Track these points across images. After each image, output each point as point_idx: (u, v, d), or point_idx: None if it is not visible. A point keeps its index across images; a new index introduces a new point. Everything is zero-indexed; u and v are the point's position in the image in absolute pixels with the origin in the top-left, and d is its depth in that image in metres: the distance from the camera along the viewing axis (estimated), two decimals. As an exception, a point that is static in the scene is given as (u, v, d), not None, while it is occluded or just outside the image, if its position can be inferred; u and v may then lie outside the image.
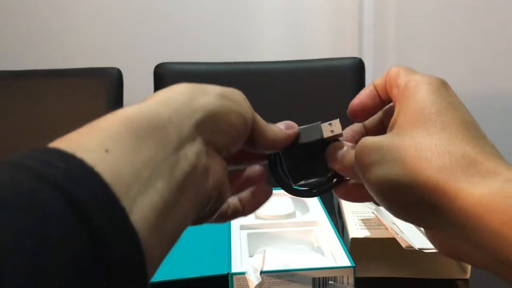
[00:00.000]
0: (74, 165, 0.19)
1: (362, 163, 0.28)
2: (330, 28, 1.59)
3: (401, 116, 0.28)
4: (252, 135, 0.30)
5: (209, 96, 0.27)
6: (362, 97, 0.33)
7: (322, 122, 0.33)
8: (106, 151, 0.20)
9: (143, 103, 0.24)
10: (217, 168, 0.27)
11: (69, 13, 1.62)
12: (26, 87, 1.16)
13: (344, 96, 1.17)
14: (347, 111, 0.34)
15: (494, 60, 1.50)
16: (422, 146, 0.25)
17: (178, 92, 0.26)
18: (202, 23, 1.59)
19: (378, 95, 0.33)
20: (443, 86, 0.28)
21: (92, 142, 0.21)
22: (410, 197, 0.25)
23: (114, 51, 1.59)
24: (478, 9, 1.50)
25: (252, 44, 1.57)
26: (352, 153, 0.30)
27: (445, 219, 0.24)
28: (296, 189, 0.36)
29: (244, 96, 0.29)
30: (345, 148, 0.32)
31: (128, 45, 1.60)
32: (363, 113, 0.33)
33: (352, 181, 0.34)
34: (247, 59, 1.24)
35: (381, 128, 0.34)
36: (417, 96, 0.28)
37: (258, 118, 0.30)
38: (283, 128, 0.33)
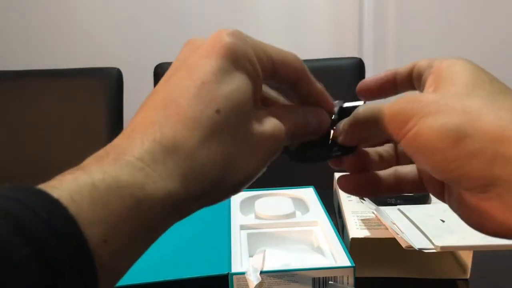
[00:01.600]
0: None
1: (412, 115, 0.25)
2: (330, 28, 1.59)
3: (444, 82, 0.27)
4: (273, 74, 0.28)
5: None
6: (380, 76, 0.32)
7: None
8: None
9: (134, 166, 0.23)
10: None
11: (69, 13, 1.62)
12: (26, 87, 1.16)
13: (344, 96, 1.17)
14: (358, 85, 0.32)
15: (494, 60, 1.50)
16: (487, 100, 0.24)
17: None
18: (202, 23, 1.58)
19: (395, 80, 0.32)
20: (479, 67, 0.28)
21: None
22: (474, 145, 0.23)
23: (114, 51, 1.59)
24: (478, 9, 1.50)
25: (252, 44, 1.57)
26: (373, 108, 0.28)
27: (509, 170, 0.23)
28: (292, 153, 0.33)
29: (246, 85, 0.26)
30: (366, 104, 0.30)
31: (128, 45, 1.60)
32: (373, 90, 0.32)
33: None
34: (247, 59, 1.24)
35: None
36: (460, 67, 0.27)
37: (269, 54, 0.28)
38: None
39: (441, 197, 0.30)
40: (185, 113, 0.24)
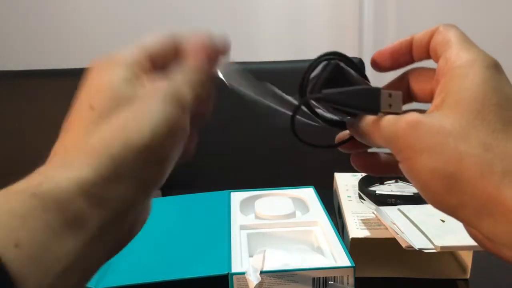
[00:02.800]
0: None
1: (408, 145, 0.25)
2: (330, 28, 1.59)
3: (451, 97, 0.25)
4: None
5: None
6: (395, 44, 0.30)
7: (382, 88, 0.29)
8: (16, 246, 0.19)
9: (60, 184, 0.22)
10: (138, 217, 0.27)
11: (69, 13, 1.62)
12: (26, 87, 1.16)
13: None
14: (372, 57, 0.31)
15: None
16: (485, 143, 0.23)
17: (97, 176, 0.23)
18: (201, 23, 1.58)
19: (411, 48, 0.30)
20: (499, 70, 0.25)
21: (2, 235, 0.20)
22: (463, 196, 0.23)
23: (114, 51, 1.59)
24: (478, 9, 1.50)
25: (252, 44, 1.57)
26: (390, 125, 0.26)
27: (498, 226, 0.23)
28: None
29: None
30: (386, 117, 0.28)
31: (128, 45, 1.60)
32: (388, 60, 0.31)
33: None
34: (247, 59, 1.24)
35: None
36: (472, 79, 0.24)
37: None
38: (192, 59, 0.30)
39: None
40: (69, 124, 0.26)
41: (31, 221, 0.20)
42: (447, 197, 0.24)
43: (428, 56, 0.30)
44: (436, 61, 0.28)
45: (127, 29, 1.61)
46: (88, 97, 0.26)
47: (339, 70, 0.32)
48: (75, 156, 0.23)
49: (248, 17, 1.58)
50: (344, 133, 0.33)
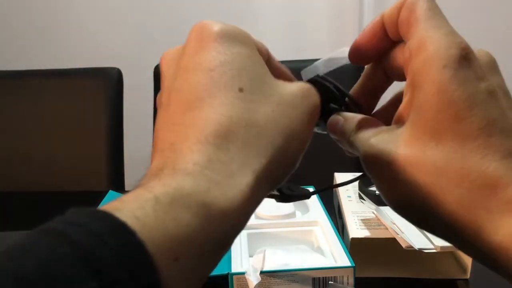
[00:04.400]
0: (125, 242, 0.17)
1: (372, 172, 0.26)
2: (330, 28, 1.59)
3: (418, 107, 0.23)
4: None
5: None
6: (367, 33, 0.27)
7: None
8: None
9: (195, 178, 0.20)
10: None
11: (69, 13, 1.62)
12: (26, 87, 1.16)
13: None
14: (350, 51, 0.29)
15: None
16: (438, 167, 0.22)
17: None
18: (202, 23, 1.58)
19: (386, 31, 0.27)
20: (463, 63, 0.22)
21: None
22: (430, 222, 0.23)
23: (114, 51, 1.59)
24: (478, 10, 1.50)
25: (252, 44, 1.57)
26: (356, 137, 0.27)
27: (470, 250, 0.23)
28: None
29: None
30: (344, 124, 0.28)
31: (128, 45, 1.60)
32: (366, 53, 0.28)
33: None
34: (247, 59, 1.24)
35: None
36: (426, 91, 0.22)
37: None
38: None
39: None
40: (212, 105, 0.22)
41: (193, 234, 0.19)
42: (420, 222, 0.24)
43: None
44: (407, 41, 0.25)
45: (127, 29, 1.61)
46: (231, 81, 0.23)
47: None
48: (234, 156, 0.21)
49: (248, 17, 1.58)
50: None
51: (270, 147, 0.22)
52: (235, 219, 0.21)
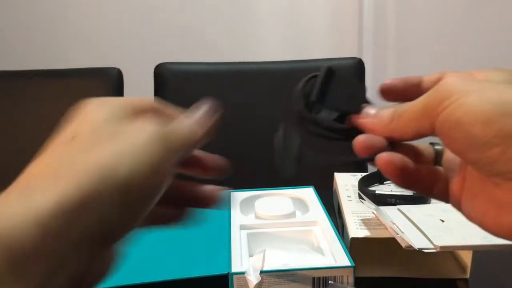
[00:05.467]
0: None
1: (449, 92, 0.24)
2: (330, 28, 1.59)
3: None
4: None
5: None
6: (405, 77, 0.29)
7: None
8: None
9: (15, 217, 0.19)
10: (96, 268, 0.24)
11: (69, 13, 1.62)
12: (26, 87, 1.16)
13: (343, 96, 1.17)
14: (382, 86, 0.30)
15: (494, 60, 1.50)
16: None
17: (59, 210, 0.20)
18: (202, 23, 1.58)
19: (420, 84, 0.29)
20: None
21: None
22: None
23: (114, 51, 1.59)
24: (478, 9, 1.50)
25: (252, 44, 1.57)
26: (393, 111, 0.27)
27: None
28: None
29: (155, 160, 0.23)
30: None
31: (128, 45, 1.60)
32: (399, 90, 0.29)
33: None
34: (247, 59, 1.24)
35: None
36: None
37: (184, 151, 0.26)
38: (198, 120, 0.28)
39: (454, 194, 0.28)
40: (41, 156, 0.24)
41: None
42: (500, 125, 0.22)
43: None
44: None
45: (126, 29, 1.61)
46: (70, 129, 0.24)
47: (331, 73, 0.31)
48: (40, 184, 0.21)
49: (248, 17, 1.58)
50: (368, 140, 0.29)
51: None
52: (27, 238, 0.19)
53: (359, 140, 0.28)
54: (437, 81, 0.27)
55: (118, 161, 0.22)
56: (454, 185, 0.28)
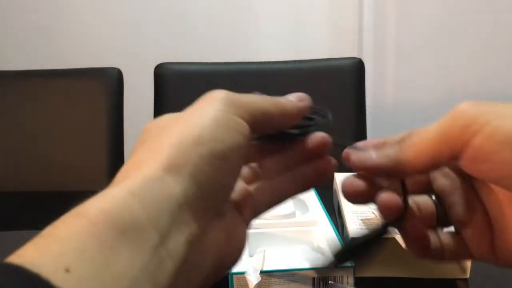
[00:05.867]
0: None
1: (473, 116, 0.23)
2: (330, 28, 1.59)
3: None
4: (257, 127, 0.26)
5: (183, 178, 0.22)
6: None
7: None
8: (67, 270, 0.17)
9: (110, 194, 0.20)
10: (215, 238, 0.24)
11: (69, 13, 1.62)
12: (26, 87, 1.16)
13: (344, 96, 1.17)
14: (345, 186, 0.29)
15: (494, 60, 1.50)
16: None
17: (148, 179, 0.21)
18: (202, 23, 1.59)
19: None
20: None
21: (50, 261, 0.17)
22: None
23: (114, 51, 1.59)
24: (478, 9, 1.50)
25: (252, 44, 1.57)
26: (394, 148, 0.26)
27: None
28: None
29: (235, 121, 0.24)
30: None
31: (128, 45, 1.60)
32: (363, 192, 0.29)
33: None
34: (247, 59, 1.24)
35: None
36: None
37: (255, 109, 0.26)
38: (293, 99, 0.29)
39: (486, 252, 0.28)
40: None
41: (80, 240, 0.18)
42: None
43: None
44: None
45: (127, 29, 1.61)
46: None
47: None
48: (129, 172, 0.22)
49: (248, 17, 1.58)
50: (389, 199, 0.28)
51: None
52: (128, 209, 0.20)
53: (383, 200, 0.28)
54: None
55: (189, 125, 0.23)
56: (477, 244, 0.27)
